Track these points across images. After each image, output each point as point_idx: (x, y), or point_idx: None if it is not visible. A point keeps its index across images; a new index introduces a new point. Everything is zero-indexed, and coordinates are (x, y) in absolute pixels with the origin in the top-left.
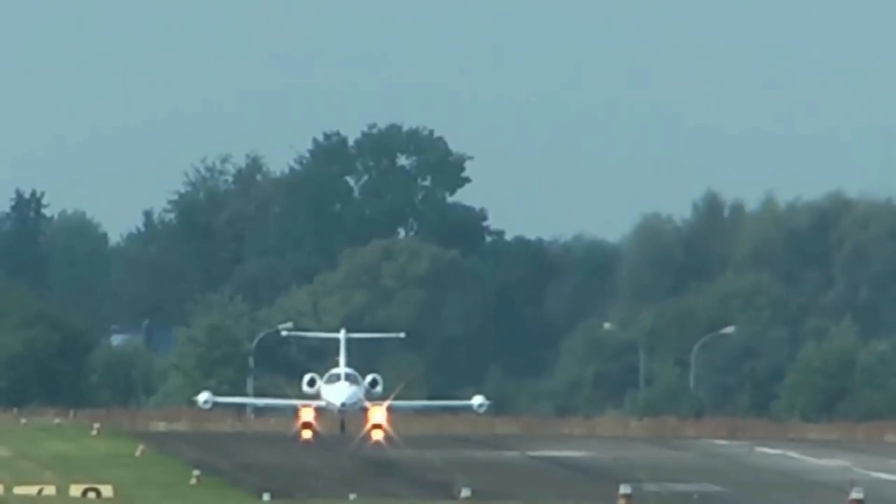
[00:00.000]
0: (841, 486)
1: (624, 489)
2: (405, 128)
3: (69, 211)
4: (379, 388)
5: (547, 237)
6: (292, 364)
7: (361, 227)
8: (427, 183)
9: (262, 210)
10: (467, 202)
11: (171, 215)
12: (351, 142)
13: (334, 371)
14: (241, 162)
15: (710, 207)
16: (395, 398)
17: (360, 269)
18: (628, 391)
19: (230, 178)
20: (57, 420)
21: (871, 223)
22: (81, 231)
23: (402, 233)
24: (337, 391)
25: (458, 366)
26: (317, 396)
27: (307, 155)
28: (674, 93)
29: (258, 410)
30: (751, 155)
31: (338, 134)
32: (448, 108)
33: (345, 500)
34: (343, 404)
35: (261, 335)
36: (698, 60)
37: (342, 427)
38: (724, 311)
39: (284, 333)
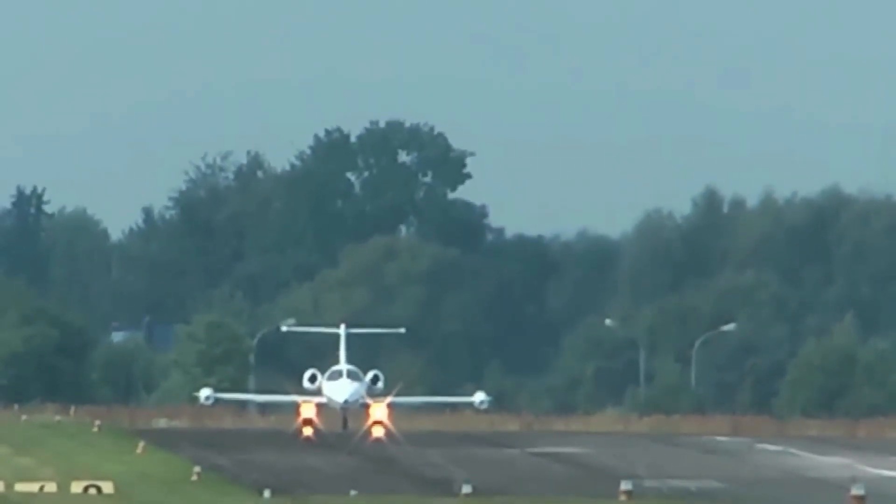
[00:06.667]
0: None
1: (625, 486)
2: (406, 124)
3: (70, 208)
4: (380, 385)
5: (548, 234)
6: (293, 361)
7: (362, 224)
8: (428, 179)
9: (262, 207)
10: (468, 199)
11: (172, 212)
12: (352, 138)
13: (336, 368)
14: (242, 158)
15: (710, 203)
16: (396, 395)
17: (361, 267)
18: (629, 388)
19: (231, 175)
20: (57, 417)
21: (871, 219)
22: (82, 228)
23: (402, 230)
24: (339, 388)
25: (458, 363)
26: (318, 393)
27: (308, 151)
28: (673, 89)
29: (261, 407)
30: (750, 150)
31: (339, 130)
32: (449, 104)
33: (345, 496)
34: (346, 401)
35: (262, 332)
36: (697, 57)
37: (344, 424)
38: (725, 307)
39: (284, 329)
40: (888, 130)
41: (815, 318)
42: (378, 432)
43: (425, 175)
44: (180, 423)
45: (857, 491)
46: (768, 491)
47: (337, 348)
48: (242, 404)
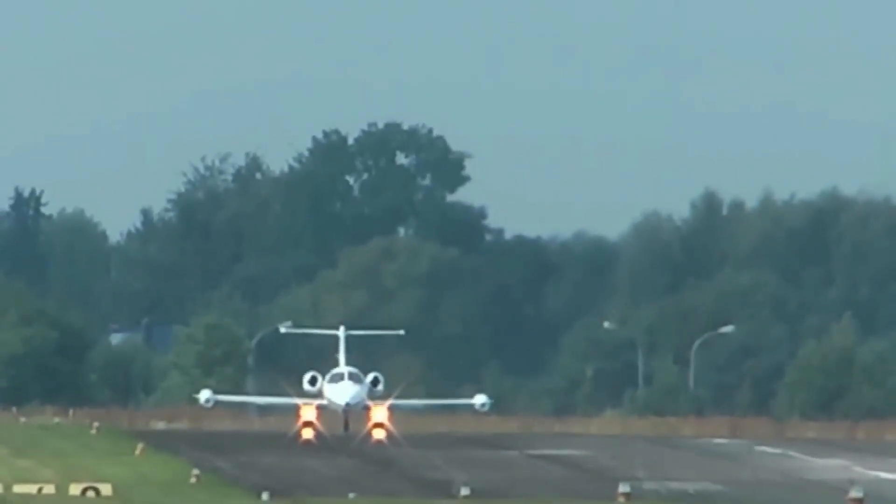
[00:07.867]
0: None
1: (623, 487)
2: (404, 126)
3: (68, 209)
4: (380, 387)
5: (546, 235)
6: (292, 363)
7: (361, 226)
8: (426, 181)
9: (261, 209)
10: (467, 201)
11: (171, 214)
12: (350, 140)
13: (337, 370)
14: (241, 160)
15: (709, 205)
16: (397, 397)
17: (359, 268)
18: (627, 390)
19: (229, 177)
20: (56, 419)
21: (869, 221)
22: (81, 229)
23: (401, 231)
24: (341, 390)
25: (457, 364)
26: (318, 395)
27: (306, 153)
28: (671, 91)
29: (260, 409)
30: (748, 152)
31: (337, 132)
32: (447, 106)
33: (344, 498)
34: (348, 403)
35: (260, 334)
36: (695, 59)
37: (346, 426)
38: (724, 309)
39: (283, 330)
40: (888, 131)
41: (813, 320)
42: (379, 434)
43: (424, 177)
44: (179, 425)
45: (855, 493)
46: (767, 493)
47: (336, 350)
48: (241, 406)
